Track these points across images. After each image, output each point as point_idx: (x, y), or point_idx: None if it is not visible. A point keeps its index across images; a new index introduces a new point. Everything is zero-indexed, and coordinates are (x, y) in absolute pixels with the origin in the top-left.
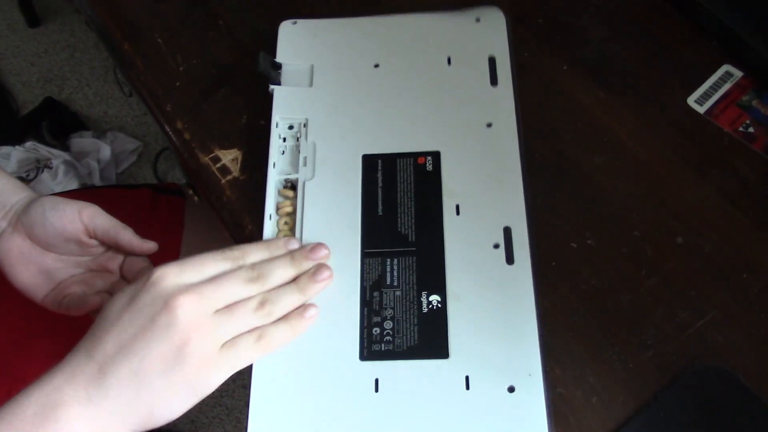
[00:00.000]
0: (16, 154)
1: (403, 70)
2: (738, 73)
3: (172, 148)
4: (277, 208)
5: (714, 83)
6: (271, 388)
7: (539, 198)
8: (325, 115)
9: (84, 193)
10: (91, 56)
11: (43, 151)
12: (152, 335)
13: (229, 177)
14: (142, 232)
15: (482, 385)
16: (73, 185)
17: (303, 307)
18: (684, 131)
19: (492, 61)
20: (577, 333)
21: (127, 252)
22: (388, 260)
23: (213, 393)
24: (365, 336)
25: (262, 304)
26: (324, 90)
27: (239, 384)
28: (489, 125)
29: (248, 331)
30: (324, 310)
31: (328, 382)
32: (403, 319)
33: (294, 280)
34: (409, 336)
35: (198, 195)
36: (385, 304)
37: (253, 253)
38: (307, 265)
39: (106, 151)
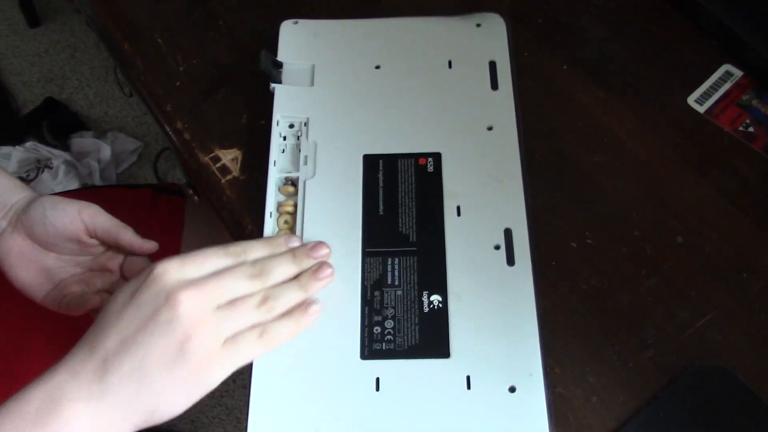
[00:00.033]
0: (16, 154)
1: (404, 71)
2: (738, 73)
3: (172, 148)
4: (278, 207)
5: (714, 83)
6: (271, 388)
7: (539, 198)
8: (326, 115)
9: (84, 193)
10: (92, 56)
11: (44, 151)
12: (154, 330)
13: (229, 177)
14: (143, 232)
15: (483, 385)
16: (74, 185)
17: (306, 303)
18: (684, 131)
19: (492, 66)
20: (577, 333)
21: (127, 252)
22: (389, 260)
23: (213, 393)
24: (366, 335)
25: (265, 300)
26: (325, 90)
27: (239, 384)
28: (490, 128)
29: (251, 327)
30: (325, 310)
31: (328, 381)
32: (404, 319)
33: (295, 277)
34: (410, 335)
35: (198, 195)
36: (386, 304)
37: (254, 250)
38: (309, 263)
39: (106, 151)
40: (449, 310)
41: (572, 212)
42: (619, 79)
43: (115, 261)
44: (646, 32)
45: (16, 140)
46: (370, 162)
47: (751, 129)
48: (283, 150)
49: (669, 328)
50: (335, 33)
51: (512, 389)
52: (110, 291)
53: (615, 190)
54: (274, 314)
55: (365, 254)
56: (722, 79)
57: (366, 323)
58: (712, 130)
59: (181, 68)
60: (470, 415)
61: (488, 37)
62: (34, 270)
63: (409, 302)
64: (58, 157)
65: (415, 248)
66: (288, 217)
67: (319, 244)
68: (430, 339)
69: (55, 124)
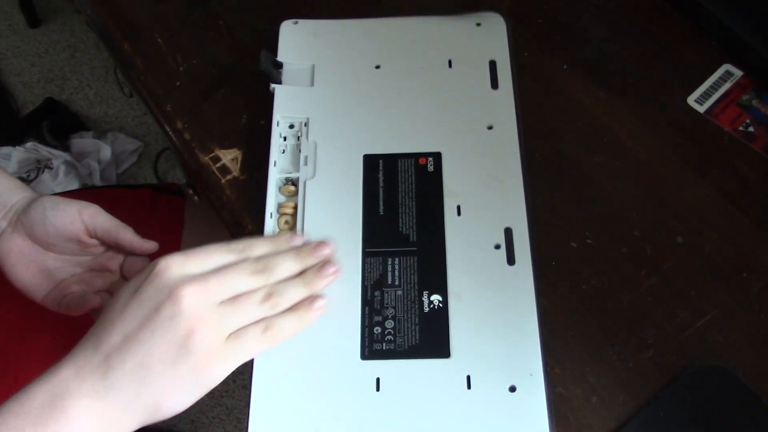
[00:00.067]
0: (16, 154)
1: (404, 71)
2: (738, 73)
3: (172, 148)
4: (278, 207)
5: (714, 82)
6: (271, 388)
7: (539, 198)
8: (326, 115)
9: (84, 193)
10: (92, 56)
11: (44, 151)
12: (157, 326)
13: (229, 177)
14: (143, 232)
15: (483, 385)
16: (74, 185)
17: (311, 298)
18: (684, 131)
19: (492, 65)
20: (577, 333)
21: (127, 251)
22: (390, 260)
23: (213, 393)
24: (366, 335)
25: (269, 295)
26: (325, 90)
27: (239, 384)
28: (490, 128)
29: (254, 323)
30: (325, 309)
31: (329, 381)
32: (405, 319)
33: (299, 275)
34: (410, 335)
35: (198, 195)
36: (387, 304)
37: (257, 247)
38: (312, 260)
39: (106, 152)
40: (449, 310)
41: (572, 212)
42: (619, 79)
43: (115, 261)
44: (646, 32)
45: (16, 140)
46: (370, 162)
47: (751, 129)
48: (284, 150)
49: (669, 328)
50: (335, 33)
51: (512, 389)
52: (110, 291)
53: (615, 190)
54: (277, 310)
55: (365, 254)
56: (722, 79)
57: (366, 323)
58: (712, 130)
59: (181, 68)
60: (470, 414)
61: (488, 37)
62: (34, 270)
63: (409, 302)
64: (58, 157)
65: (415, 248)
66: (288, 218)
67: (323, 243)
68: (430, 339)
69: (55, 124)
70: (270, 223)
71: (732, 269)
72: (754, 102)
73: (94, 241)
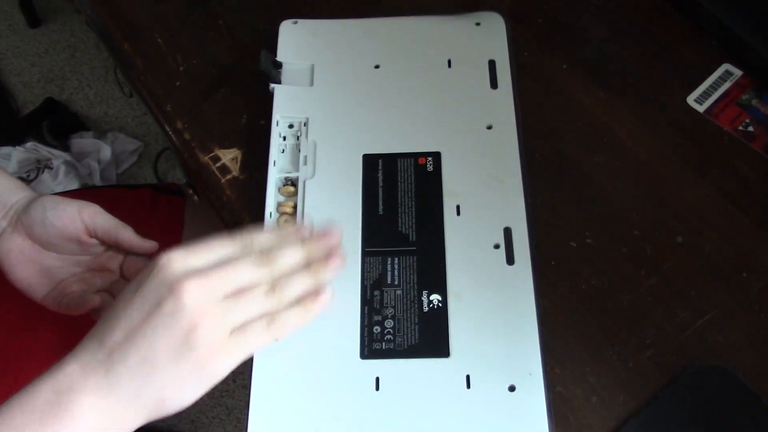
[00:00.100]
0: (16, 154)
1: (403, 71)
2: (738, 72)
3: (172, 147)
4: (278, 207)
5: (714, 82)
6: (271, 388)
7: (539, 198)
8: (326, 115)
9: (84, 193)
10: (92, 56)
11: (44, 151)
12: (159, 322)
13: (228, 176)
14: (142, 232)
15: (483, 384)
16: (74, 185)
17: (316, 290)
18: (684, 131)
19: (492, 65)
20: (577, 333)
21: (127, 251)
22: (389, 259)
23: (213, 393)
24: (366, 335)
25: (273, 288)
26: (325, 89)
27: (239, 384)
28: (489, 127)
29: (259, 317)
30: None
31: (328, 381)
32: (404, 318)
33: (304, 263)
34: (409, 335)
35: (198, 194)
36: (386, 303)
37: (261, 238)
38: (317, 250)
39: (106, 152)
40: (449, 310)
41: (572, 212)
42: (619, 79)
43: (115, 261)
44: (646, 32)
45: (16, 141)
46: (370, 162)
47: (750, 128)
48: (283, 150)
49: (669, 328)
50: (335, 33)
51: (512, 388)
52: (110, 291)
53: (615, 190)
54: (282, 302)
55: (365, 254)
56: (722, 79)
57: (366, 323)
58: (711, 129)
59: (181, 68)
60: (470, 414)
61: (488, 36)
62: (34, 270)
63: (408, 302)
64: (58, 157)
65: (414, 248)
66: (288, 217)
67: (328, 230)
68: (429, 338)
69: (55, 124)
70: (270, 223)
71: (732, 269)
72: (754, 101)
73: (93, 241)
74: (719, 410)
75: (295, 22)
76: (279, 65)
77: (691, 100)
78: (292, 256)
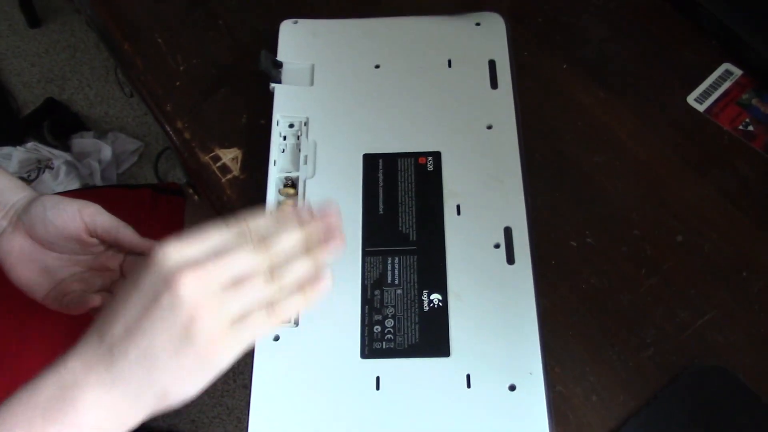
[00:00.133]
0: (17, 154)
1: (403, 71)
2: (738, 72)
3: (173, 147)
4: (278, 206)
5: (714, 81)
6: (271, 387)
7: (539, 197)
8: (326, 114)
9: (84, 193)
10: (92, 56)
11: (44, 151)
12: (157, 316)
13: (229, 176)
14: (143, 232)
15: (483, 384)
16: (75, 185)
17: (316, 274)
18: (684, 130)
19: (492, 65)
20: (577, 332)
21: (127, 251)
22: (389, 259)
23: (213, 393)
24: (366, 334)
25: (272, 274)
26: (325, 89)
27: (240, 384)
28: (489, 127)
29: (258, 305)
30: (325, 309)
31: (329, 380)
32: (404, 318)
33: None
34: (410, 334)
35: (198, 194)
36: (386, 303)
37: (258, 224)
38: (316, 229)
39: (107, 152)
40: (449, 309)
41: (572, 212)
42: (619, 79)
43: (115, 260)
44: (646, 32)
45: (16, 141)
46: (370, 161)
47: (750, 128)
48: (283, 150)
49: (669, 328)
50: (335, 33)
51: (512, 388)
52: (111, 290)
53: (615, 189)
54: (282, 289)
55: (365, 253)
56: (722, 78)
57: (366, 322)
58: (711, 129)
59: (181, 68)
60: (470, 413)
61: (488, 36)
62: (35, 269)
63: (409, 301)
64: (58, 157)
65: (415, 247)
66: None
67: (326, 207)
68: (430, 338)
69: (56, 124)
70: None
71: (732, 269)
72: (754, 101)
73: (94, 240)
74: (719, 410)
75: (296, 22)
76: (279, 65)
77: (691, 99)
78: (290, 240)
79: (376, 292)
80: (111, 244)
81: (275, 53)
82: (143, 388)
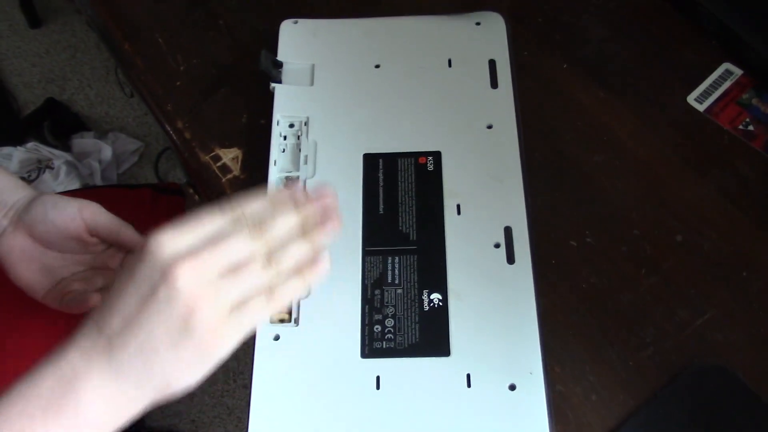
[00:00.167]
0: (17, 154)
1: (403, 70)
2: (738, 71)
3: (173, 147)
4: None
5: (714, 81)
6: (272, 387)
7: (539, 197)
8: (326, 114)
9: (85, 193)
10: (93, 57)
11: (45, 151)
12: (154, 309)
13: (229, 176)
14: (143, 232)
15: (483, 383)
16: (75, 185)
17: (314, 258)
18: (684, 130)
19: (492, 64)
20: (576, 332)
21: (128, 250)
22: (390, 258)
23: (213, 393)
24: (366, 334)
25: (269, 260)
26: (325, 89)
27: (240, 384)
28: (489, 127)
29: (257, 291)
30: (325, 308)
31: (329, 380)
32: (405, 317)
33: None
34: (410, 334)
35: (198, 194)
36: (387, 302)
37: (253, 207)
38: (312, 211)
39: (107, 152)
40: (449, 309)
41: (572, 212)
42: (619, 79)
43: (116, 259)
44: (646, 32)
45: (17, 141)
46: (370, 161)
47: (750, 128)
48: (284, 149)
49: (669, 327)
50: (335, 32)
51: (512, 387)
52: None
53: (615, 189)
54: (280, 274)
55: (365, 253)
56: (722, 78)
57: (366, 322)
58: (711, 128)
59: (181, 68)
60: (470, 412)
61: (488, 36)
62: (36, 268)
63: (409, 301)
64: (59, 157)
65: (415, 247)
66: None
67: (322, 188)
68: (430, 337)
69: (56, 124)
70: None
71: (732, 269)
72: (754, 101)
73: (94, 240)
74: (719, 409)
75: (296, 22)
76: (279, 65)
77: (691, 99)
78: (286, 223)
79: (377, 291)
80: (111, 244)
81: (275, 53)
82: (143, 380)
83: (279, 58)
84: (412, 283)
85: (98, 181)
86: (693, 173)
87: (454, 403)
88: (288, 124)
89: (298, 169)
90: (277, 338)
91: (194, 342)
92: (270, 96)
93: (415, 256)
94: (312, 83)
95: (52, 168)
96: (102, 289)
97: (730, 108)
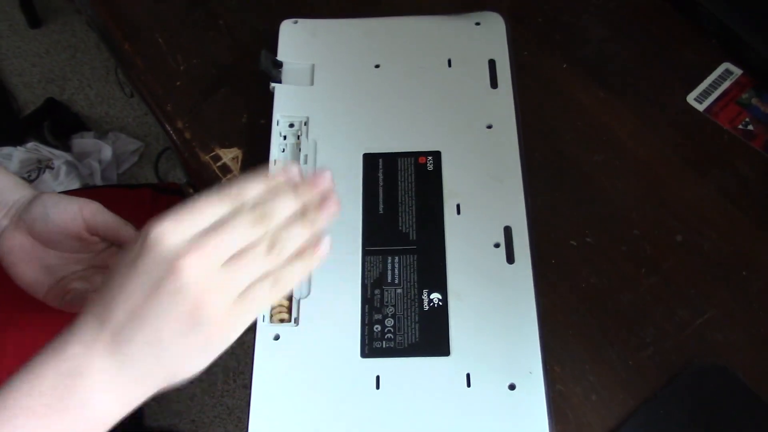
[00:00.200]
0: (17, 154)
1: (403, 70)
2: (737, 71)
3: (173, 147)
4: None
5: (714, 81)
6: (271, 387)
7: (539, 197)
8: (326, 114)
9: (84, 193)
10: (93, 57)
11: (45, 151)
12: (162, 302)
13: (229, 176)
14: None
15: (483, 383)
16: (75, 185)
17: (315, 241)
18: (684, 130)
19: (492, 64)
20: (576, 332)
21: None
22: (389, 258)
23: (213, 393)
24: (366, 333)
25: (272, 245)
26: (325, 89)
27: (240, 383)
28: (489, 127)
29: (261, 277)
30: (325, 308)
31: (329, 379)
32: (404, 317)
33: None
34: (410, 333)
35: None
36: (386, 302)
37: (252, 189)
38: (311, 195)
39: (107, 152)
40: (449, 308)
41: (572, 211)
42: (619, 79)
43: (116, 258)
44: (646, 32)
45: (17, 141)
46: (370, 161)
47: (750, 127)
48: (284, 149)
49: (668, 327)
50: (335, 32)
51: (512, 387)
52: None
53: (615, 189)
54: (282, 259)
55: (365, 253)
56: (722, 78)
57: (366, 321)
58: (711, 128)
59: (181, 68)
60: (470, 412)
61: (487, 36)
62: (36, 267)
63: (409, 300)
64: (59, 157)
65: (414, 247)
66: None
67: (320, 173)
68: (430, 337)
69: (56, 124)
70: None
71: (732, 268)
72: (754, 100)
73: (95, 239)
74: (719, 409)
75: (296, 22)
76: (279, 65)
77: (691, 99)
78: (286, 207)
79: (376, 291)
80: (112, 242)
81: (275, 53)
82: (150, 372)
83: (279, 58)
84: (411, 283)
85: (98, 181)
86: (693, 173)
87: (453, 403)
88: (288, 123)
89: None
90: (277, 338)
91: (202, 333)
92: (270, 96)
93: (415, 256)
94: (312, 83)
95: (52, 168)
96: None
97: (729, 108)
